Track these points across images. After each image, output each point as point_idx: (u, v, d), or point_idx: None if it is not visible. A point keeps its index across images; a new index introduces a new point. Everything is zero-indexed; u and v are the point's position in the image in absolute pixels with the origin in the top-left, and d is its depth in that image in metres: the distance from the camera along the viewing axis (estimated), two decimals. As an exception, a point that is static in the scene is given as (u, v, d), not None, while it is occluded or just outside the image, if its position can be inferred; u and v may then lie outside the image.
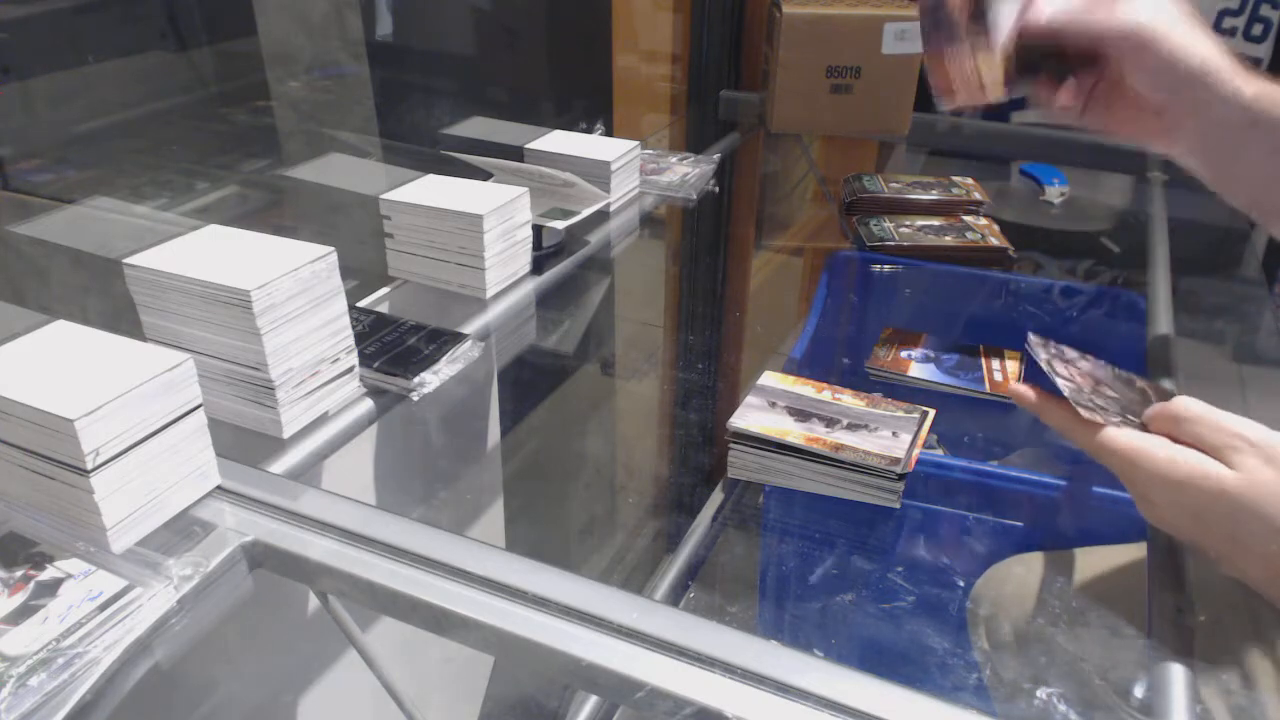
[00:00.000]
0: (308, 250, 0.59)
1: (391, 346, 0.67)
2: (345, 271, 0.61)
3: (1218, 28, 2.00)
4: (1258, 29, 1.99)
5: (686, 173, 1.06)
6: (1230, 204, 0.61)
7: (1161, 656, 0.49)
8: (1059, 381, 0.56)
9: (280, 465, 0.58)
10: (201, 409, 0.51)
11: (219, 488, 0.53)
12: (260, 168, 1.00)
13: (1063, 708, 0.57)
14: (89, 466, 0.46)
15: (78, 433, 0.44)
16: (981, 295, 1.08)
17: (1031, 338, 0.61)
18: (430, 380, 0.64)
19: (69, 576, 0.46)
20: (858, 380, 0.75)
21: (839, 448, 0.64)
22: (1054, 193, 1.69)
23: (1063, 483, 0.86)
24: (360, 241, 0.82)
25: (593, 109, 1.39)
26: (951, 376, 0.98)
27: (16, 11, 0.78)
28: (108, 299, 0.65)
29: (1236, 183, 0.60)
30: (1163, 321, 0.87)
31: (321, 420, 0.62)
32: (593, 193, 0.89)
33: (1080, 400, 0.54)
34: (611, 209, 0.96)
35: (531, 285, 0.82)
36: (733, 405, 0.69)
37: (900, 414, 0.69)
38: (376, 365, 0.64)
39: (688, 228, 1.54)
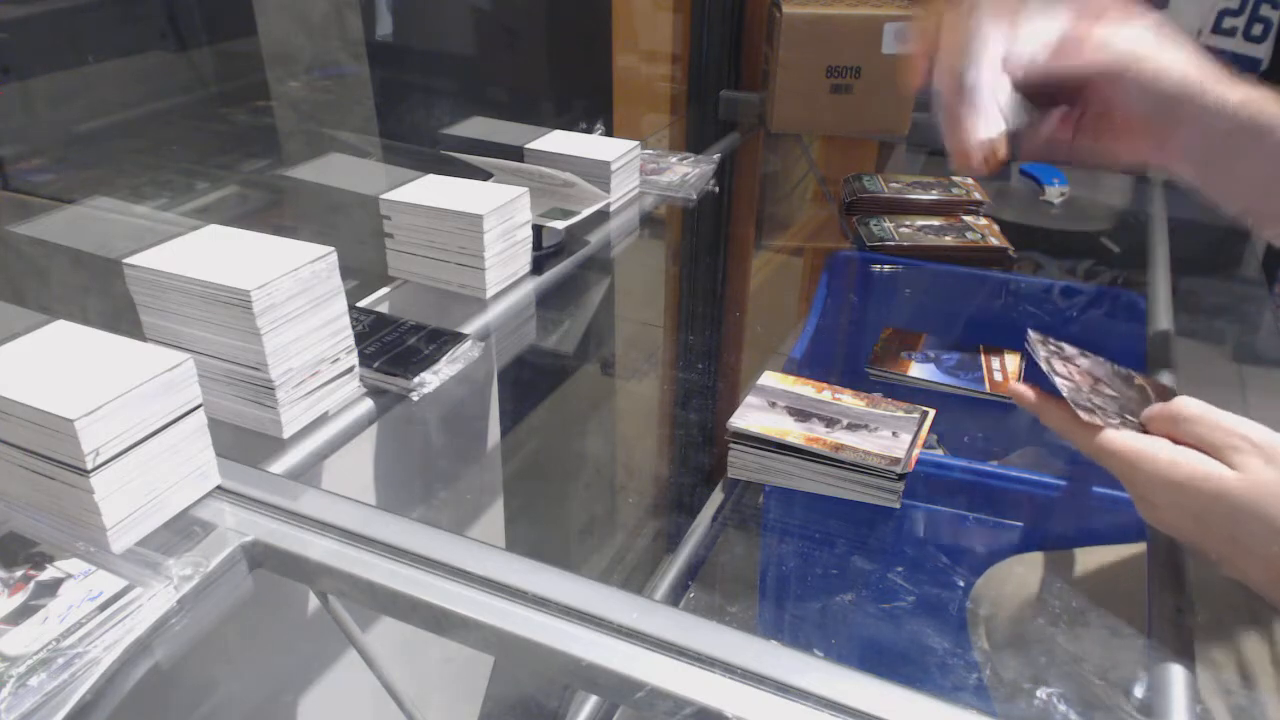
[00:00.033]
0: (308, 250, 0.59)
1: (391, 346, 0.67)
2: (345, 271, 0.61)
3: (1218, 28, 2.00)
4: (1258, 29, 1.99)
5: (686, 173, 1.06)
6: (1226, 211, 0.61)
7: (1161, 656, 0.49)
8: (1057, 380, 0.56)
9: (280, 465, 0.58)
10: (201, 409, 0.51)
11: (219, 488, 0.53)
12: (260, 168, 1.00)
13: (1063, 708, 0.57)
14: (89, 466, 0.46)
15: (78, 433, 0.44)
16: (981, 295, 1.08)
17: (1031, 335, 0.61)
18: (430, 380, 0.64)
19: (69, 576, 0.46)
20: (858, 380, 0.75)
21: (839, 448, 0.64)
22: (1054, 193, 1.69)
23: (1063, 483, 0.86)
24: (360, 241, 0.82)
25: (593, 109, 1.39)
26: (951, 376, 0.98)
27: (16, 11, 0.78)
28: (108, 299, 0.65)
29: (1229, 190, 0.60)
30: (1163, 321, 0.87)
31: (321, 420, 0.62)
32: (593, 193, 0.89)
33: (1078, 400, 0.54)
34: (611, 209, 0.96)
35: (531, 285, 0.82)
36: (733, 405, 0.69)
37: (900, 414, 0.69)
38: (376, 365, 0.65)
39: (688, 228, 1.54)
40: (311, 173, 1.00)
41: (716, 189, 1.11)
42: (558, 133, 1.00)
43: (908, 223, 1.11)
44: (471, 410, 0.96)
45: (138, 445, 0.48)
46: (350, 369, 0.63)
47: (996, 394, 0.86)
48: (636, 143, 1.00)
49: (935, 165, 1.85)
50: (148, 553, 0.48)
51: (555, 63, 1.38)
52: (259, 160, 1.00)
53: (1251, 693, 0.64)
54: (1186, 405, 0.52)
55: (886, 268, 1.11)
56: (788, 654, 0.43)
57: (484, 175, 0.89)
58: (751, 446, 0.66)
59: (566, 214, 0.86)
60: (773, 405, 0.69)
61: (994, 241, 1.07)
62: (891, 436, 0.66)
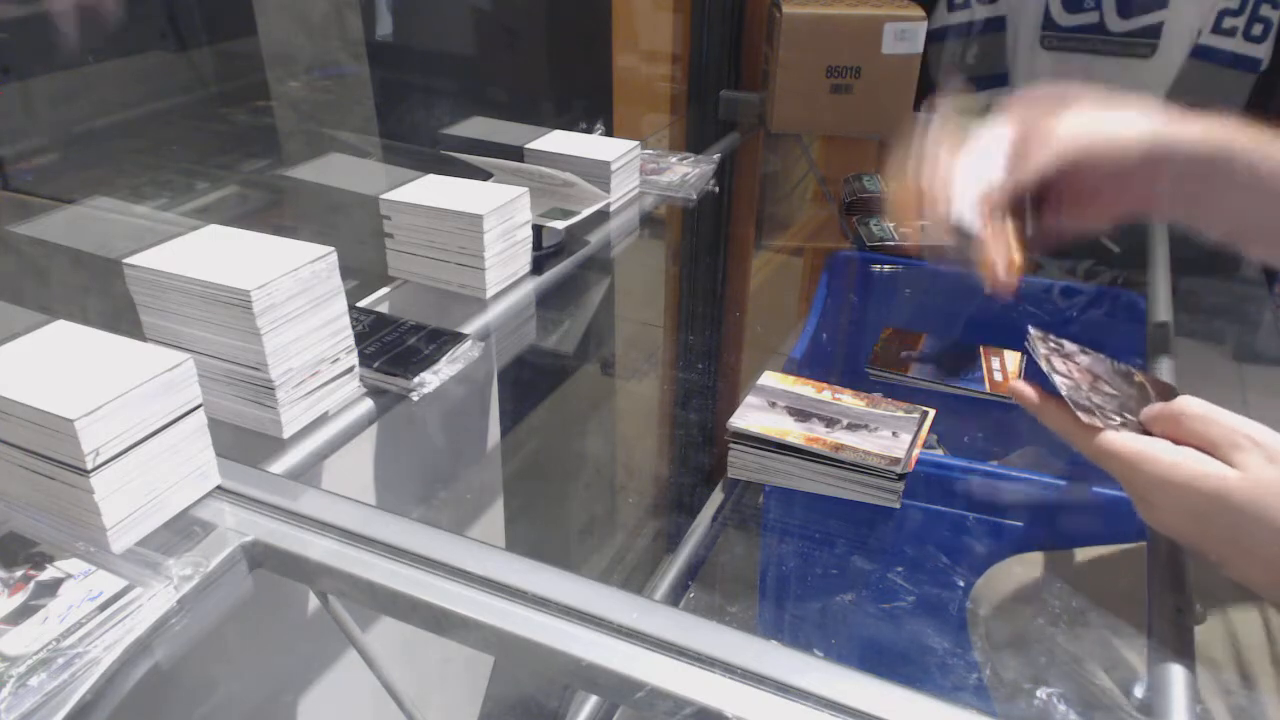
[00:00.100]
0: (308, 250, 0.59)
1: (391, 346, 0.67)
2: (345, 271, 0.61)
3: (1218, 28, 1.99)
4: (1258, 29, 1.99)
5: (686, 173, 1.06)
6: (1210, 238, 0.63)
7: (1161, 656, 0.49)
8: (1057, 379, 0.56)
9: (280, 465, 0.58)
10: (201, 409, 0.51)
11: (219, 488, 0.53)
12: (260, 168, 1.00)
13: (1063, 708, 0.57)
14: (89, 466, 0.46)
15: (78, 433, 0.44)
16: (981, 295, 1.08)
17: (1032, 332, 0.61)
18: (430, 380, 0.64)
19: (69, 576, 0.46)
20: (858, 380, 0.75)
21: (839, 448, 0.64)
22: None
23: (1063, 483, 0.86)
24: (360, 241, 0.82)
25: (593, 109, 1.39)
26: (951, 376, 0.98)
27: (16, 11, 0.78)
28: (108, 299, 0.65)
29: (1209, 221, 0.62)
30: (1163, 322, 0.87)
31: (321, 420, 0.62)
32: (593, 193, 0.89)
33: (1078, 399, 0.54)
34: (611, 209, 0.96)
35: (531, 285, 0.82)
36: (733, 405, 0.69)
37: (900, 414, 0.69)
38: (376, 365, 0.65)
39: (688, 228, 1.54)
40: (311, 173, 1.00)
41: (716, 189, 1.11)
42: (558, 133, 1.00)
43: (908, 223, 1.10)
44: (471, 410, 0.96)
45: (138, 445, 0.48)
46: (350, 369, 0.63)
47: (996, 394, 0.86)
48: (636, 143, 1.00)
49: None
50: (148, 553, 0.48)
51: (555, 63, 1.37)
52: (259, 160, 1.00)
53: (1251, 693, 0.64)
54: (1189, 404, 0.52)
55: (886, 268, 1.11)
56: (788, 654, 0.43)
57: (484, 175, 0.89)
58: (751, 446, 0.66)
59: (566, 214, 0.86)
60: (773, 405, 0.69)
61: (994, 241, 1.06)
62: (891, 436, 0.66)
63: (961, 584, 0.88)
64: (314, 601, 0.72)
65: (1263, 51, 2.00)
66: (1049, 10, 2.07)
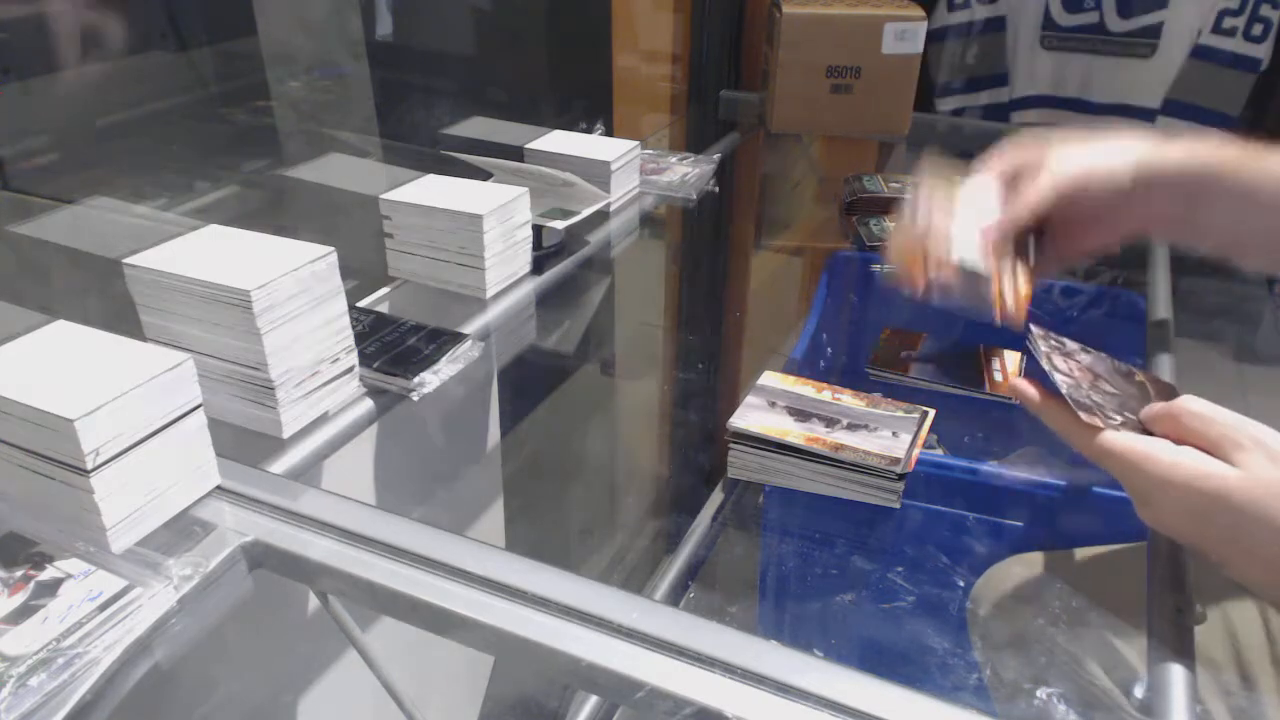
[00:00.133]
0: (308, 250, 0.59)
1: (391, 346, 0.67)
2: (345, 271, 0.61)
3: (1218, 28, 1.99)
4: (1258, 29, 1.98)
5: (686, 173, 1.06)
6: (1203, 253, 0.66)
7: (1161, 656, 0.49)
8: (1057, 377, 0.56)
9: (280, 465, 0.58)
10: (201, 409, 0.51)
11: (219, 488, 0.53)
12: (260, 168, 1.00)
13: (1063, 708, 0.57)
14: (89, 466, 0.46)
15: (78, 433, 0.44)
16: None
17: (1033, 330, 0.61)
18: (430, 380, 0.64)
19: (69, 576, 0.46)
20: (858, 380, 0.75)
21: (839, 448, 0.64)
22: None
23: (1063, 483, 0.86)
24: (360, 241, 0.82)
25: (593, 109, 1.39)
26: (951, 376, 0.98)
27: (16, 11, 0.78)
28: (108, 299, 0.64)
29: (1202, 236, 0.64)
30: (1163, 320, 0.87)
31: (321, 420, 0.62)
32: (593, 193, 0.89)
33: (1078, 397, 0.54)
34: (611, 209, 0.96)
35: (531, 285, 0.82)
36: (733, 405, 0.69)
37: (900, 414, 0.69)
38: (376, 365, 0.65)
39: (688, 228, 1.54)
40: (311, 173, 1.00)
41: (716, 189, 1.11)
42: (558, 133, 1.00)
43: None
44: (471, 410, 0.96)
45: (138, 445, 0.48)
46: (350, 369, 0.63)
47: (996, 394, 0.86)
48: (636, 143, 1.00)
49: (935, 165, 1.85)
50: (148, 553, 0.48)
51: (555, 63, 1.37)
52: (259, 160, 1.00)
53: (1251, 693, 0.64)
54: (1189, 403, 0.52)
55: (887, 268, 1.11)
56: (788, 654, 0.43)
57: (484, 175, 0.89)
58: (751, 446, 0.66)
59: (566, 214, 0.86)
60: (773, 405, 0.69)
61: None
62: (891, 436, 0.66)
63: (961, 584, 0.88)
64: (314, 601, 0.72)
65: (1263, 51, 2.00)
66: (1049, 10, 2.07)
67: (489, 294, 0.78)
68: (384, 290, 0.80)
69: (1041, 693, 0.60)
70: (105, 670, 0.42)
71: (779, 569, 1.00)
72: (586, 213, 0.88)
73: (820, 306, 1.08)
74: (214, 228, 0.63)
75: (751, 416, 0.67)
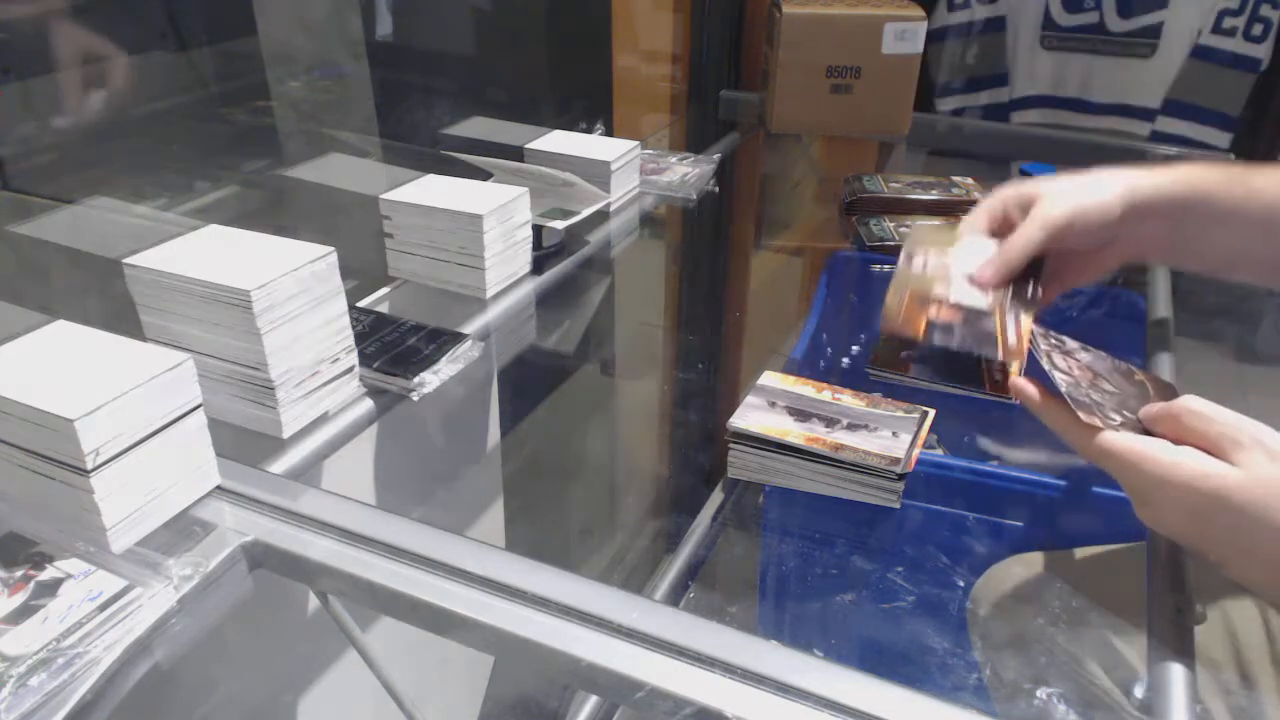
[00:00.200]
0: (308, 250, 0.59)
1: (391, 346, 0.67)
2: (345, 271, 0.61)
3: (1218, 28, 1.99)
4: (1258, 29, 1.99)
5: (686, 173, 1.06)
6: (1198, 274, 0.68)
7: (1161, 656, 0.49)
8: (1056, 376, 0.56)
9: (280, 465, 0.58)
10: (201, 409, 0.51)
11: (219, 488, 0.53)
12: (260, 168, 1.00)
13: (1062, 708, 0.57)
14: (89, 466, 0.46)
15: (78, 433, 0.44)
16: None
17: (1034, 329, 0.61)
18: (430, 380, 0.64)
19: (69, 576, 0.46)
20: (858, 380, 0.75)
21: (839, 448, 0.64)
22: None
23: (1063, 483, 0.86)
24: (360, 241, 0.82)
25: (593, 109, 1.39)
26: (951, 377, 0.97)
27: (16, 11, 0.78)
28: (108, 299, 0.64)
29: (1194, 256, 0.67)
30: (1162, 319, 0.87)
31: (321, 420, 0.62)
32: (593, 193, 0.89)
33: (1077, 396, 0.54)
34: (611, 209, 0.96)
35: (531, 285, 0.82)
36: (733, 405, 0.69)
37: (900, 414, 0.69)
38: (376, 365, 0.65)
39: (688, 228, 1.54)
40: (311, 173, 1.00)
41: (716, 189, 1.11)
42: (558, 133, 1.00)
43: (908, 223, 1.11)
44: (471, 410, 0.96)
45: (138, 445, 0.48)
46: (350, 369, 0.63)
47: (996, 394, 0.86)
48: (636, 143, 1.00)
49: (935, 165, 1.85)
50: (148, 553, 0.48)
51: (555, 63, 1.37)
52: (259, 160, 1.00)
53: (1251, 693, 0.64)
54: (1190, 402, 0.52)
55: (886, 268, 1.11)
56: (788, 654, 0.43)
57: (484, 175, 0.89)
58: (751, 446, 0.66)
59: (566, 214, 0.86)
60: (773, 405, 0.69)
61: (994, 241, 1.06)
62: (891, 436, 0.66)
63: (961, 584, 0.88)
64: (314, 601, 0.72)
65: (1263, 51, 2.00)
66: (1049, 10, 2.08)
67: (489, 294, 0.78)
68: (384, 290, 0.80)
69: (1041, 693, 0.60)
70: (105, 670, 0.42)
71: (779, 569, 1.00)
72: (586, 213, 0.88)
73: (820, 306, 1.08)
74: (214, 228, 0.63)
75: (751, 416, 0.67)
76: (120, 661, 0.43)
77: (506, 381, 1.02)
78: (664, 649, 0.43)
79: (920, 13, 1.17)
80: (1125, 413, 0.55)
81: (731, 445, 0.67)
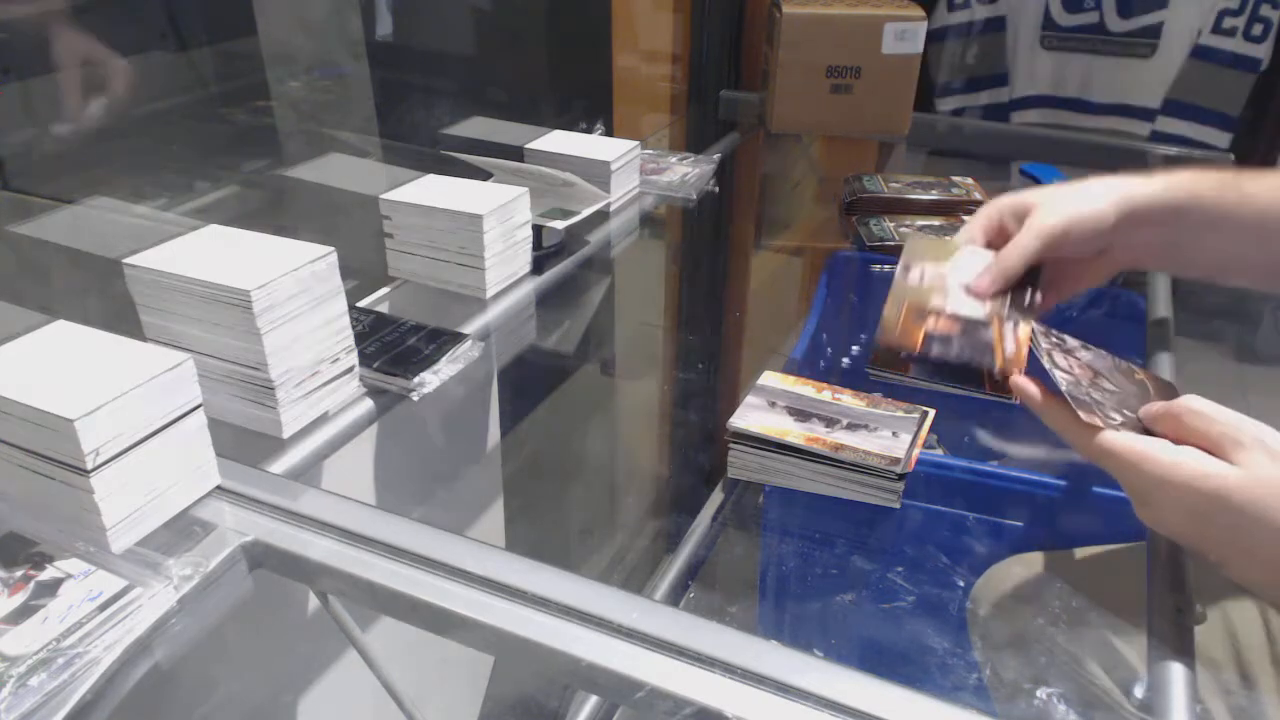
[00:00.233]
0: (308, 250, 0.59)
1: (391, 346, 0.67)
2: (345, 271, 0.61)
3: (1218, 28, 1.99)
4: (1258, 29, 1.99)
5: (686, 173, 1.06)
6: (1192, 278, 0.69)
7: (1161, 656, 0.49)
8: (1057, 375, 0.56)
9: (280, 465, 0.58)
10: (201, 409, 0.51)
11: (219, 488, 0.53)
12: (260, 168, 1.00)
13: (1063, 708, 0.57)
14: (89, 466, 0.46)
15: (78, 433, 0.44)
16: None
17: (1034, 327, 0.61)
18: (430, 380, 0.64)
19: (69, 576, 0.46)
20: (858, 380, 0.75)
21: (839, 448, 0.64)
22: (1054, 193, 1.69)
23: (1063, 483, 0.86)
24: (360, 241, 0.82)
25: (593, 109, 1.39)
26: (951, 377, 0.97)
27: (16, 11, 0.78)
28: (108, 299, 0.64)
29: (1188, 262, 0.67)
30: (1162, 319, 0.87)
31: (321, 420, 0.62)
32: (593, 193, 0.89)
33: (1078, 394, 0.54)
34: (611, 209, 0.96)
35: (531, 285, 0.82)
36: (733, 405, 0.69)
37: (900, 414, 0.69)
38: (376, 365, 0.65)
39: (688, 228, 1.54)
40: (311, 173, 1.00)
41: (716, 189, 1.11)
42: (558, 133, 1.00)
43: (908, 223, 1.11)
44: (471, 410, 0.96)
45: (138, 445, 0.48)
46: (350, 369, 0.63)
47: (997, 394, 0.86)
48: (636, 143, 1.00)
49: (935, 165, 1.85)
50: (148, 553, 0.48)
51: (555, 63, 1.37)
52: (259, 160, 1.00)
53: (1251, 693, 0.64)
54: (1190, 402, 0.52)
55: (886, 268, 1.11)
56: (788, 654, 0.43)
57: (484, 175, 0.89)
58: (751, 446, 0.66)
59: (566, 214, 0.86)
60: (773, 405, 0.69)
61: (994, 241, 1.06)
62: (891, 436, 0.66)
63: (961, 584, 0.88)
64: (314, 601, 0.72)
65: (1263, 51, 2.00)
66: (1049, 10, 2.07)
67: (489, 294, 0.78)
68: (384, 290, 0.80)
69: (1041, 693, 0.60)
70: (105, 670, 0.42)
71: (779, 569, 1.00)
72: (586, 213, 0.88)
73: (820, 306, 1.08)
74: (214, 228, 0.63)
75: (751, 416, 0.67)
76: (120, 661, 0.43)
77: (506, 381, 1.02)
78: (664, 649, 0.43)
79: (920, 13, 1.17)
80: (1125, 412, 0.55)
81: (731, 445, 0.67)
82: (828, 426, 0.67)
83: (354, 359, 0.63)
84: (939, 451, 1.15)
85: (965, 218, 1.12)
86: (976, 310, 0.63)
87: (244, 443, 0.58)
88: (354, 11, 1.05)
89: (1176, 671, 0.48)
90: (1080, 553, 0.79)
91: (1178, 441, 0.51)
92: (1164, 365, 0.79)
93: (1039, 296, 0.64)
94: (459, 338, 0.68)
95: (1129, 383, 0.59)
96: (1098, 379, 0.58)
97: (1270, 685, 0.64)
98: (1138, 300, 1.00)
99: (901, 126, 1.23)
